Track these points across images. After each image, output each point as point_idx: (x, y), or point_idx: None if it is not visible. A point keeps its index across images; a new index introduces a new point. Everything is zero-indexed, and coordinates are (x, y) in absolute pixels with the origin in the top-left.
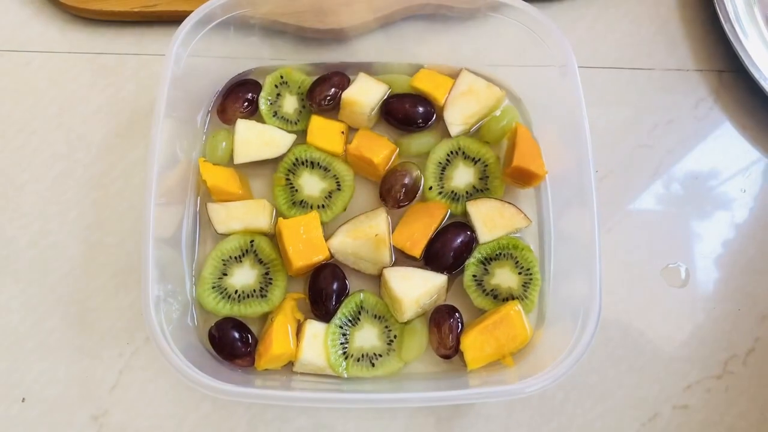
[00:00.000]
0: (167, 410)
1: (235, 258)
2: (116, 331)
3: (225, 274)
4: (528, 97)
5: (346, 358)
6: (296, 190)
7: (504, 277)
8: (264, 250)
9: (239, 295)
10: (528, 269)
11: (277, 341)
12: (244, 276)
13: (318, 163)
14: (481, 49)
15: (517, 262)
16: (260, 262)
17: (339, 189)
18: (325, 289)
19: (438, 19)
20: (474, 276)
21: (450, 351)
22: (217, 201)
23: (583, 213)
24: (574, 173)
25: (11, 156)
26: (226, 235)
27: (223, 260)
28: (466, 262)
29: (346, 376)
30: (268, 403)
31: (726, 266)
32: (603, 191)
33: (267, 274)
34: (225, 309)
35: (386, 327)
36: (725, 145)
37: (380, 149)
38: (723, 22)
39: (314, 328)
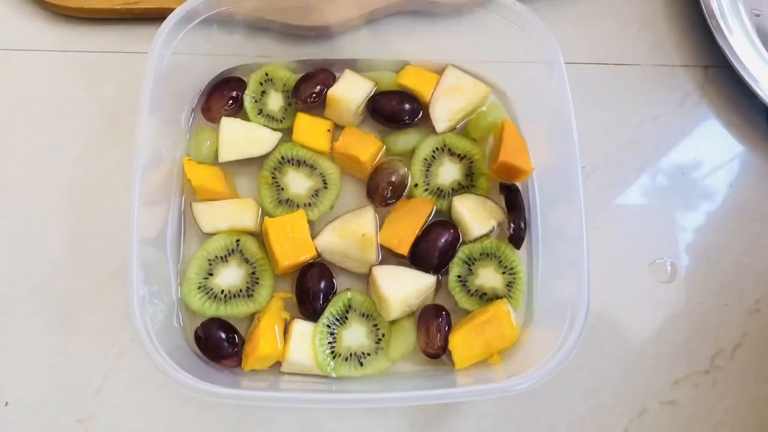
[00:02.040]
0: (153, 412)
1: (221, 258)
2: (101, 333)
3: (211, 274)
4: (514, 93)
5: (334, 357)
6: (282, 189)
7: (488, 278)
8: (250, 249)
9: (225, 296)
10: (512, 269)
11: (264, 341)
12: (230, 276)
13: (304, 161)
14: (467, 46)
15: (500, 261)
16: (246, 261)
17: (326, 187)
18: (312, 288)
19: (424, 16)
20: (458, 276)
21: (438, 351)
22: (202, 200)
23: (571, 210)
24: (561, 169)
25: None
26: (211, 235)
27: (208, 260)
28: (450, 263)
29: (334, 375)
30: (256, 404)
31: (713, 261)
32: (590, 187)
33: (253, 273)
34: (211, 309)
35: (374, 325)
36: (711, 140)
37: (367, 147)
38: (708, 17)
39: (302, 327)
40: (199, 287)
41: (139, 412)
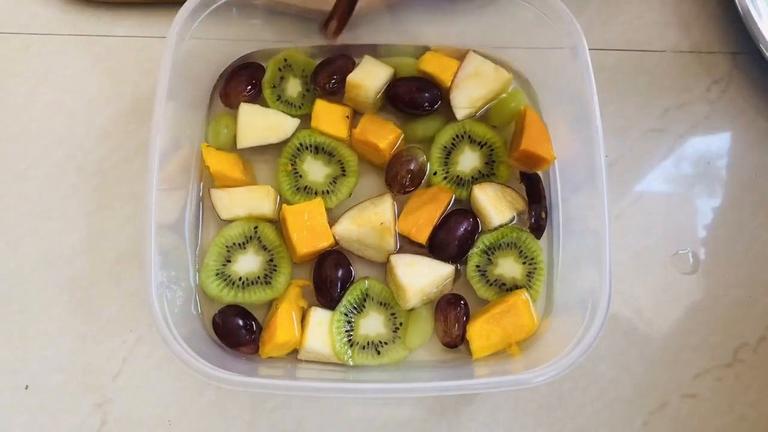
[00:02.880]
0: (171, 398)
1: (239, 245)
2: (119, 318)
3: (229, 261)
4: (537, 79)
5: (351, 345)
6: (300, 176)
7: (508, 267)
8: (268, 236)
9: (243, 282)
10: (532, 258)
11: (282, 329)
12: (248, 263)
13: (322, 148)
14: (488, 31)
15: (521, 251)
16: (264, 248)
17: (344, 174)
18: (329, 276)
19: (445, 0)
20: (477, 266)
21: (455, 340)
22: (220, 187)
23: (593, 199)
24: (583, 158)
25: (11, 141)
26: (229, 222)
27: (226, 247)
28: (470, 252)
29: (351, 364)
30: (273, 393)
31: (737, 252)
32: (612, 176)
33: (271, 260)
34: (229, 296)
35: (392, 314)
36: (738, 129)
37: (386, 134)
38: (737, 2)
39: (319, 315)
40: (217, 274)
41: (156, 397)
